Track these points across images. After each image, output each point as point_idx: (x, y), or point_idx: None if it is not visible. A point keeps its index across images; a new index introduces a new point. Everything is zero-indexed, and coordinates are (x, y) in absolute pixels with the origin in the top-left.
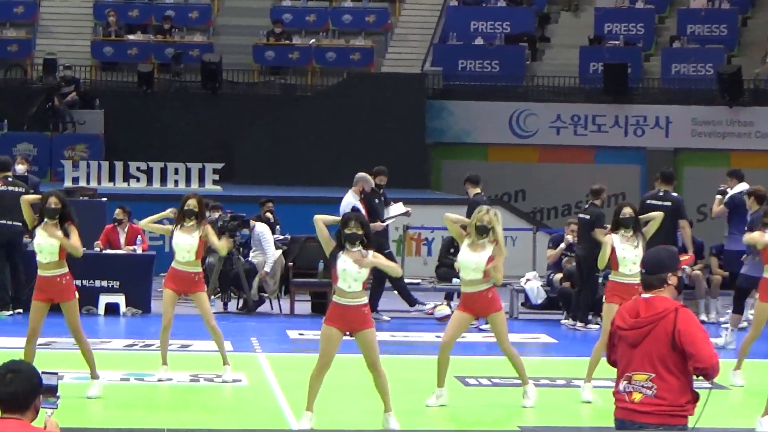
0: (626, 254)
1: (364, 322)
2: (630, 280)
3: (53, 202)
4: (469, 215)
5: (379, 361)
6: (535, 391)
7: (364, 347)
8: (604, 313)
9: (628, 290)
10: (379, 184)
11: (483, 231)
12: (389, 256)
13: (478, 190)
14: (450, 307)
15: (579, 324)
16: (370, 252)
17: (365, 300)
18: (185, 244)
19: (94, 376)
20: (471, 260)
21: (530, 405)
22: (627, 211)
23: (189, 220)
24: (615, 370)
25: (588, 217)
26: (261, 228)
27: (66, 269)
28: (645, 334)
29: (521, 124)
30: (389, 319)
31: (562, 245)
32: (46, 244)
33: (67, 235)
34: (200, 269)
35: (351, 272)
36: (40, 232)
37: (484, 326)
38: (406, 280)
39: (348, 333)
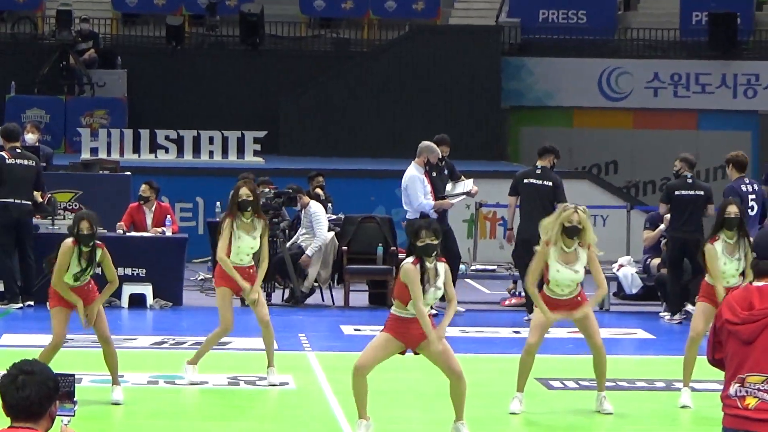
0: (727, 268)
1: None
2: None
3: (85, 227)
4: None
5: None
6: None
7: (435, 358)
8: (695, 312)
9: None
10: (440, 156)
11: (573, 233)
12: (448, 235)
13: (546, 163)
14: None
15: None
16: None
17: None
18: (246, 246)
19: (116, 382)
20: (567, 277)
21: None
22: (732, 210)
23: (245, 214)
24: (716, 370)
25: (701, 192)
26: (315, 207)
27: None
28: (761, 329)
29: (612, 84)
30: (464, 310)
31: (662, 226)
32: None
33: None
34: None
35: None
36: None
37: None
38: (479, 267)
39: (412, 351)
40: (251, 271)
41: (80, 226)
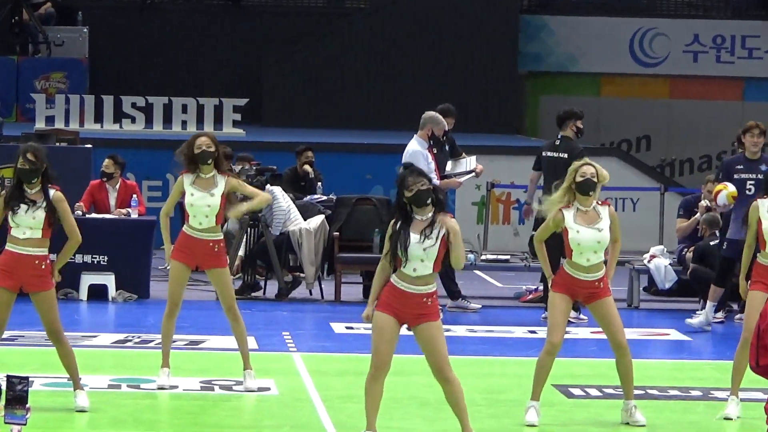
0: None
1: (430, 313)
2: None
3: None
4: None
5: (449, 365)
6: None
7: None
8: (747, 304)
9: None
10: (446, 129)
11: (588, 187)
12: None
13: (567, 132)
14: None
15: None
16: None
17: (432, 287)
18: (202, 204)
19: (77, 386)
20: (590, 238)
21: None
22: None
23: (205, 168)
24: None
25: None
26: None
27: (46, 251)
28: None
29: (646, 47)
30: (479, 307)
31: (698, 214)
32: (27, 216)
33: (53, 211)
34: (221, 236)
35: (415, 251)
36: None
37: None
38: (490, 256)
39: (406, 326)
40: (215, 247)
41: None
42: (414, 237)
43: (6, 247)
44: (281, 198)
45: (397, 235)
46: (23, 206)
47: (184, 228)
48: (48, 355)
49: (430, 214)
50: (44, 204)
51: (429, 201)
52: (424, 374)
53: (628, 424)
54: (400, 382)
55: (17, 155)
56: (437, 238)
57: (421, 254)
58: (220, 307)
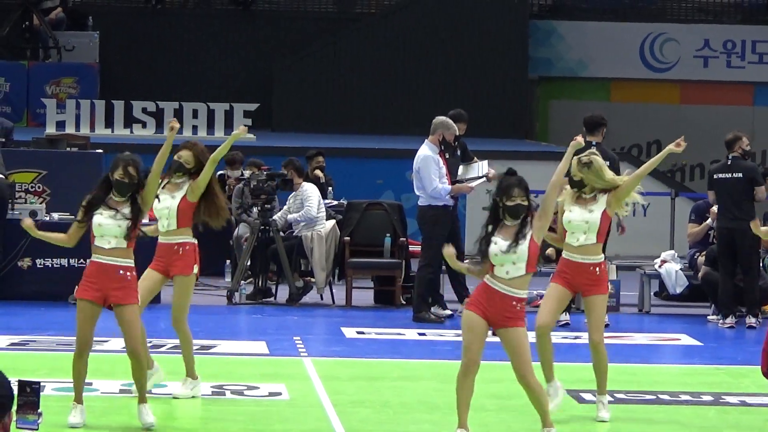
0: None
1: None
2: None
3: (185, 157)
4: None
5: (532, 371)
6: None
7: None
8: None
9: None
10: (457, 134)
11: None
12: (456, 229)
13: (597, 139)
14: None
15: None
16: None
17: (524, 293)
18: (162, 207)
19: (143, 399)
20: (579, 218)
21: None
22: None
23: (177, 175)
24: None
25: (740, 174)
26: (309, 188)
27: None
28: None
29: (656, 52)
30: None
31: (709, 220)
32: (113, 224)
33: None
34: (188, 239)
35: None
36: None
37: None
38: None
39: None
40: (179, 250)
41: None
42: (502, 243)
43: (91, 258)
44: (314, 198)
45: (486, 239)
46: (107, 213)
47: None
48: (59, 359)
49: (518, 221)
50: (130, 214)
51: (522, 215)
52: (434, 379)
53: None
54: (410, 387)
55: (114, 164)
56: (527, 239)
57: (513, 257)
58: (231, 312)
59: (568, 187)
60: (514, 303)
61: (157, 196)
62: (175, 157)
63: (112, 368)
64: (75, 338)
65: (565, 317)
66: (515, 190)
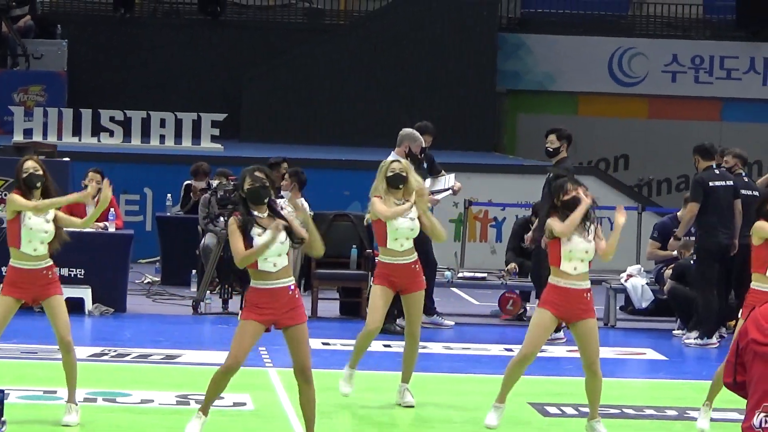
0: None
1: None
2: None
3: (32, 167)
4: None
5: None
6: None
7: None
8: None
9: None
10: (423, 146)
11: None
12: (426, 237)
13: (564, 155)
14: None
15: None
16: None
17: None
18: (39, 231)
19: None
20: (582, 247)
21: None
22: None
23: (35, 192)
24: (735, 396)
25: (732, 182)
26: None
27: (51, 260)
28: None
29: (624, 67)
30: (452, 324)
31: (674, 251)
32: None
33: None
34: (51, 262)
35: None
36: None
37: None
38: (467, 273)
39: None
40: (48, 274)
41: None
42: (577, 239)
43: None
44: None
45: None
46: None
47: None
48: (23, 368)
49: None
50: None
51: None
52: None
53: None
54: (375, 399)
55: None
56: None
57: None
58: (197, 322)
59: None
60: (585, 294)
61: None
62: (26, 170)
63: (77, 376)
64: (40, 345)
65: (559, 335)
66: (569, 184)
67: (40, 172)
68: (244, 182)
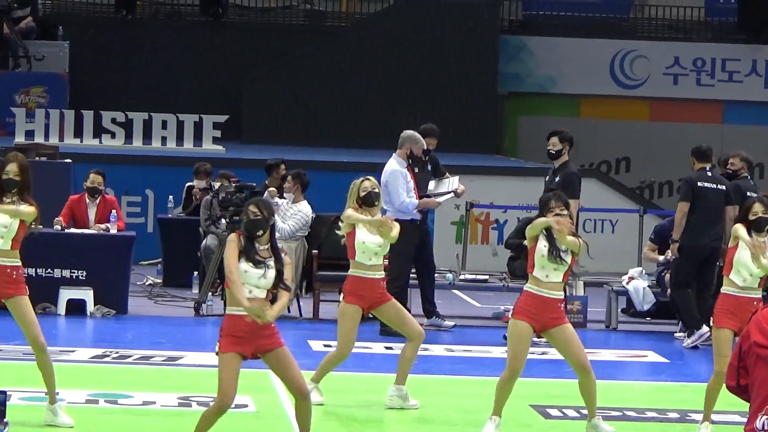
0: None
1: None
2: (745, 293)
3: (12, 171)
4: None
5: (587, 359)
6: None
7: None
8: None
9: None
10: (425, 148)
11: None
12: (426, 242)
13: (566, 157)
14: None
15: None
16: None
17: (560, 294)
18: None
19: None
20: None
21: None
22: (759, 209)
23: (9, 195)
24: (738, 399)
25: (724, 186)
26: (304, 206)
27: (19, 261)
28: None
29: (626, 69)
30: (452, 324)
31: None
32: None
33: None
34: (18, 262)
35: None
36: None
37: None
38: (468, 275)
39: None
40: (12, 273)
41: (6, 170)
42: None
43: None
44: (302, 220)
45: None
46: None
47: None
48: (25, 369)
49: None
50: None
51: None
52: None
53: None
54: (376, 401)
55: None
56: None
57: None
58: (199, 323)
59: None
60: (559, 305)
61: None
62: (5, 173)
63: (79, 378)
64: None
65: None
66: (552, 202)
67: (18, 178)
68: (248, 211)
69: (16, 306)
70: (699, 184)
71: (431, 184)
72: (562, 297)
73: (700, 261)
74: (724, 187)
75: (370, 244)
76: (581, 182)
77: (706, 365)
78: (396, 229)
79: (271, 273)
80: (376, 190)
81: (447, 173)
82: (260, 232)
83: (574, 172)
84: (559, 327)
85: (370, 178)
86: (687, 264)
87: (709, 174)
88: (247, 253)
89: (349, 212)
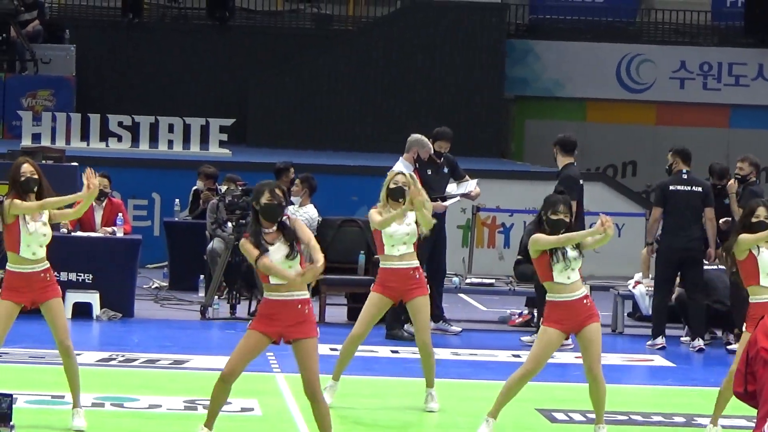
0: None
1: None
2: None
3: (29, 171)
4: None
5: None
6: None
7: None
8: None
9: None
10: (438, 151)
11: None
12: (439, 245)
13: (571, 160)
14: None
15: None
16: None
17: (584, 291)
18: (38, 235)
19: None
20: (570, 255)
21: None
22: (762, 213)
23: (31, 197)
24: (746, 405)
25: (700, 189)
26: (310, 209)
27: (47, 263)
28: None
29: (632, 73)
30: (460, 330)
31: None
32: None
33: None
34: (48, 264)
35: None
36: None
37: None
38: (475, 279)
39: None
40: (46, 276)
41: (22, 170)
42: (572, 252)
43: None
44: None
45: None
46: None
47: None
48: (31, 372)
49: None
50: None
51: (562, 231)
52: (406, 397)
53: None
54: (382, 405)
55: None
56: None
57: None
58: (205, 327)
59: None
60: (585, 301)
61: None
62: (23, 173)
63: (85, 382)
64: (47, 349)
65: (567, 341)
66: (561, 206)
67: (36, 177)
68: (261, 195)
69: (49, 309)
70: (671, 187)
71: (452, 187)
72: (586, 293)
73: (679, 263)
74: (700, 189)
75: (396, 234)
76: (581, 185)
77: (713, 369)
78: (423, 193)
79: (283, 250)
80: (405, 188)
81: (466, 176)
82: (277, 218)
83: (570, 175)
84: (587, 327)
85: (405, 173)
86: (664, 266)
87: (685, 177)
88: (255, 236)
89: (377, 218)
